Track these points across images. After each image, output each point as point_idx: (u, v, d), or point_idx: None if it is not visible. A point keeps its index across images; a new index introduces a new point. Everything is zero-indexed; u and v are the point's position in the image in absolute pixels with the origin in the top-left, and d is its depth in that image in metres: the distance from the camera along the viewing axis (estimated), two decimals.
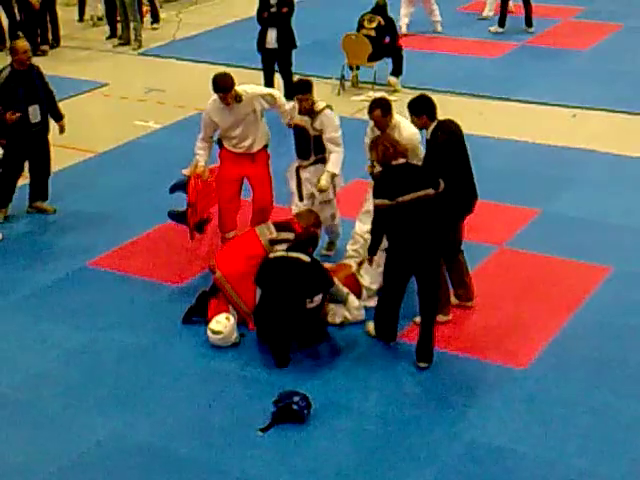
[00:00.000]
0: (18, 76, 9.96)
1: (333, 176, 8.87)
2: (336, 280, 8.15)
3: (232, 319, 8.08)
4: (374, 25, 13.90)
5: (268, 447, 6.89)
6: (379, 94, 10.57)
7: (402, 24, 16.51)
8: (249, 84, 9.26)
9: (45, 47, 16.29)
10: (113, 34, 17.24)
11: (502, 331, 8.24)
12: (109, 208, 10.63)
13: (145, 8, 18.03)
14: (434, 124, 8.03)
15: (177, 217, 9.37)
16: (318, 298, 7.85)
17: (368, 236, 8.11)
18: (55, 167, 10.66)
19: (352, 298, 8.29)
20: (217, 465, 6.75)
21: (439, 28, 17.11)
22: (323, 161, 8.96)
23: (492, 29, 17.00)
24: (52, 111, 10.36)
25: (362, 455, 6.82)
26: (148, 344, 8.15)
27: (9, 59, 10.21)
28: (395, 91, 13.76)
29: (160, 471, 6.72)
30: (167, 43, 17.07)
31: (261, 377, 7.67)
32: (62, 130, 10.48)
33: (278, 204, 9.48)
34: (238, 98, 8.87)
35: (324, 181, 8.82)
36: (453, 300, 8.48)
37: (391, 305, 7.86)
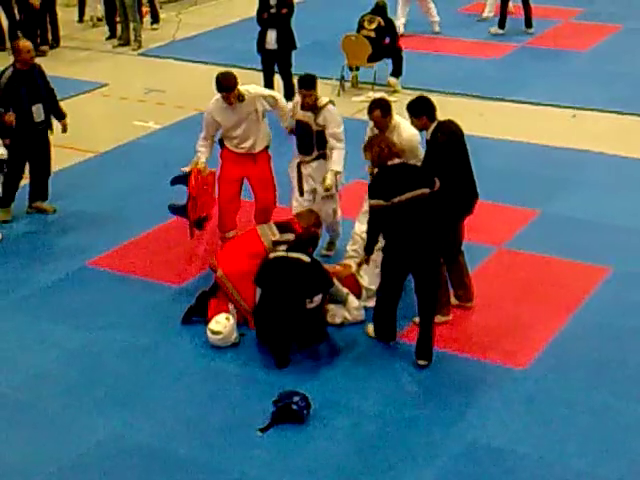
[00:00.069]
0: (21, 76, 9.96)
1: (337, 174, 8.90)
2: (336, 280, 8.16)
3: (232, 319, 8.08)
4: (374, 26, 13.90)
5: (268, 447, 6.89)
6: (379, 95, 10.62)
7: (399, 24, 16.49)
8: (250, 84, 9.27)
9: (45, 48, 16.28)
10: (113, 35, 17.23)
11: (502, 331, 8.25)
12: (109, 208, 10.63)
13: (145, 9, 18.02)
14: (434, 125, 8.03)
15: (178, 210, 9.36)
16: (318, 298, 7.85)
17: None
18: (55, 167, 10.66)
19: (352, 298, 8.31)
20: (217, 465, 6.75)
21: (437, 28, 17.08)
22: (325, 157, 8.98)
23: (492, 30, 17.00)
24: (54, 110, 10.36)
25: (362, 455, 6.82)
26: (148, 344, 8.15)
27: (10, 59, 10.21)
28: (395, 92, 13.76)
29: (160, 471, 6.72)
30: (167, 44, 17.07)
31: (261, 377, 7.67)
32: (65, 129, 10.47)
33: (279, 204, 9.49)
34: (241, 97, 8.89)
35: (329, 180, 8.85)
36: (453, 301, 8.49)
37: (389, 304, 7.87)
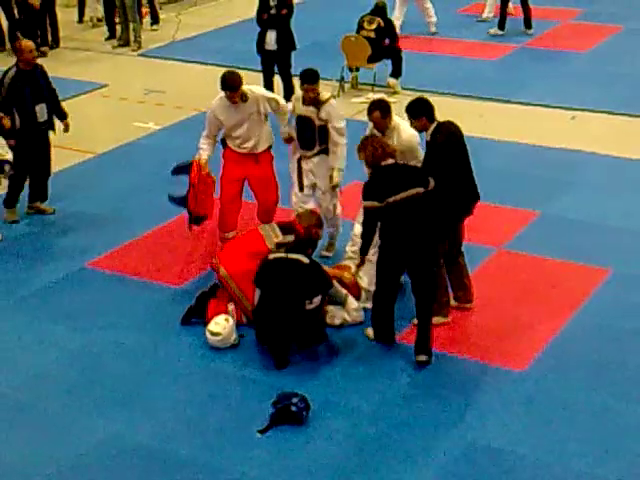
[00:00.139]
0: (24, 76, 9.97)
1: (341, 170, 8.95)
2: (335, 282, 8.16)
3: (231, 320, 8.08)
4: (374, 27, 13.91)
5: (267, 448, 6.90)
6: (378, 96, 10.63)
7: (396, 24, 16.48)
8: (252, 85, 9.28)
9: (45, 48, 16.26)
10: (112, 35, 17.24)
11: (501, 333, 8.25)
12: (108, 209, 10.64)
13: (145, 9, 18.04)
14: (434, 126, 8.03)
15: (177, 201, 9.34)
16: (317, 299, 7.85)
17: None
18: (55, 168, 10.66)
19: (351, 300, 8.31)
20: (217, 465, 6.75)
21: (433, 29, 17.06)
22: (326, 152, 8.99)
23: (491, 31, 17.00)
24: (56, 110, 10.36)
25: (361, 456, 6.82)
26: (148, 344, 8.15)
27: (9, 59, 10.20)
28: (394, 93, 13.77)
29: (159, 472, 6.72)
30: (167, 44, 17.08)
31: (260, 378, 7.67)
32: (67, 129, 10.46)
33: (281, 205, 9.50)
34: (244, 97, 8.91)
35: (336, 178, 8.92)
36: (452, 302, 8.49)
37: (386, 302, 7.88)
